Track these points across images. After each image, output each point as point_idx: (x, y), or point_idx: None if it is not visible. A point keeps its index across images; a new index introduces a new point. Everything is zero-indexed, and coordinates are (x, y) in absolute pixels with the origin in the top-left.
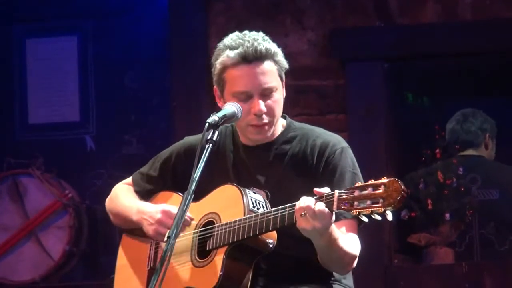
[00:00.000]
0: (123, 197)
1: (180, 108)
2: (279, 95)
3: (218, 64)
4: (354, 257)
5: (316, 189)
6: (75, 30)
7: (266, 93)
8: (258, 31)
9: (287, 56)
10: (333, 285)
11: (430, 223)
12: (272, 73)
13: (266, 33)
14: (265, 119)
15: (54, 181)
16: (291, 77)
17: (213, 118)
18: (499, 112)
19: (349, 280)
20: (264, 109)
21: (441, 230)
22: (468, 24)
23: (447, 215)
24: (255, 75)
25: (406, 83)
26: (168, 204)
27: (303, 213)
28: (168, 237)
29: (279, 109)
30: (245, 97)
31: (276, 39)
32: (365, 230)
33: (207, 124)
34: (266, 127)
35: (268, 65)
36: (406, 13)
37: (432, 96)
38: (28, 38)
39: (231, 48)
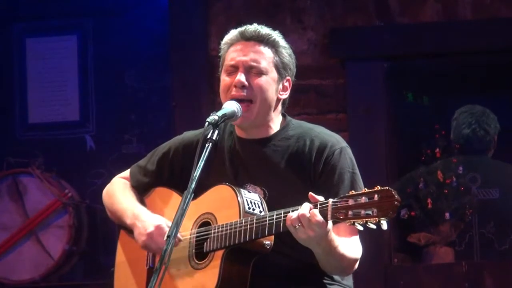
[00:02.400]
0: (121, 196)
1: (180, 107)
2: (268, 81)
3: (222, 44)
4: (356, 260)
5: (311, 193)
6: (75, 29)
7: (252, 71)
8: None
9: None
10: (332, 286)
11: (430, 222)
12: (265, 57)
13: None
14: (245, 93)
15: (54, 181)
16: None
17: (213, 117)
18: (499, 112)
19: (348, 280)
20: (244, 81)
21: (441, 229)
22: (468, 23)
23: (447, 215)
24: (246, 50)
25: (406, 82)
26: (164, 218)
27: (297, 225)
28: (168, 236)
29: (264, 91)
30: (232, 71)
31: None
32: (365, 230)
33: (206, 123)
34: (248, 104)
35: (265, 49)
36: (406, 12)
37: (432, 95)
38: (28, 37)
39: (237, 29)
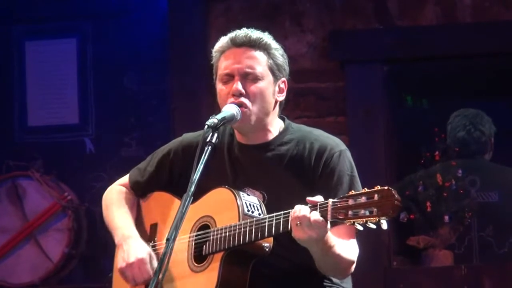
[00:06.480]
0: (115, 210)
1: (180, 109)
2: (265, 85)
3: (213, 52)
4: (352, 262)
5: (308, 198)
6: (74, 32)
7: (248, 77)
8: None
9: None
10: None
11: (429, 225)
12: (260, 62)
13: None
14: (243, 100)
15: (53, 184)
16: (291, 79)
17: (212, 120)
18: (499, 114)
19: (348, 283)
20: (241, 89)
21: (440, 232)
22: (467, 26)
23: (446, 218)
24: (240, 57)
25: (405, 85)
26: (150, 250)
27: (298, 223)
28: (167, 239)
29: (262, 97)
30: (227, 79)
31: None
32: (364, 233)
33: (206, 126)
34: (246, 110)
35: (258, 54)
36: (405, 15)
37: (431, 98)
38: (27, 40)
39: (227, 35)
